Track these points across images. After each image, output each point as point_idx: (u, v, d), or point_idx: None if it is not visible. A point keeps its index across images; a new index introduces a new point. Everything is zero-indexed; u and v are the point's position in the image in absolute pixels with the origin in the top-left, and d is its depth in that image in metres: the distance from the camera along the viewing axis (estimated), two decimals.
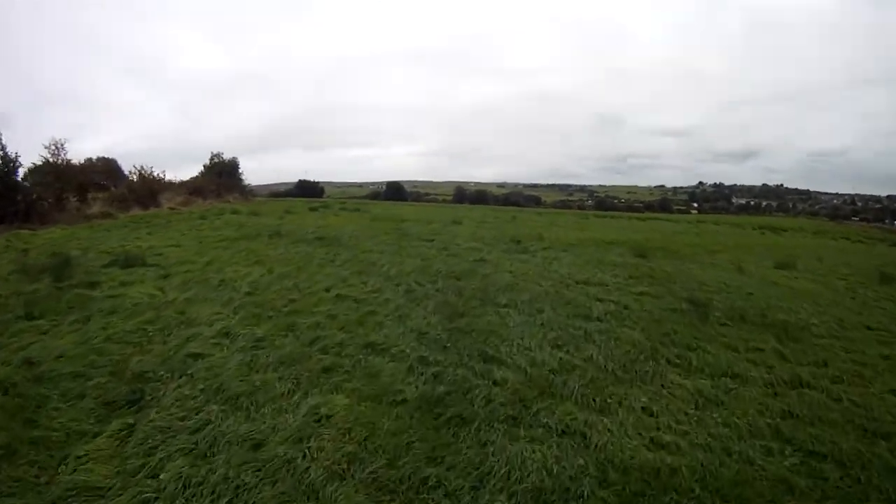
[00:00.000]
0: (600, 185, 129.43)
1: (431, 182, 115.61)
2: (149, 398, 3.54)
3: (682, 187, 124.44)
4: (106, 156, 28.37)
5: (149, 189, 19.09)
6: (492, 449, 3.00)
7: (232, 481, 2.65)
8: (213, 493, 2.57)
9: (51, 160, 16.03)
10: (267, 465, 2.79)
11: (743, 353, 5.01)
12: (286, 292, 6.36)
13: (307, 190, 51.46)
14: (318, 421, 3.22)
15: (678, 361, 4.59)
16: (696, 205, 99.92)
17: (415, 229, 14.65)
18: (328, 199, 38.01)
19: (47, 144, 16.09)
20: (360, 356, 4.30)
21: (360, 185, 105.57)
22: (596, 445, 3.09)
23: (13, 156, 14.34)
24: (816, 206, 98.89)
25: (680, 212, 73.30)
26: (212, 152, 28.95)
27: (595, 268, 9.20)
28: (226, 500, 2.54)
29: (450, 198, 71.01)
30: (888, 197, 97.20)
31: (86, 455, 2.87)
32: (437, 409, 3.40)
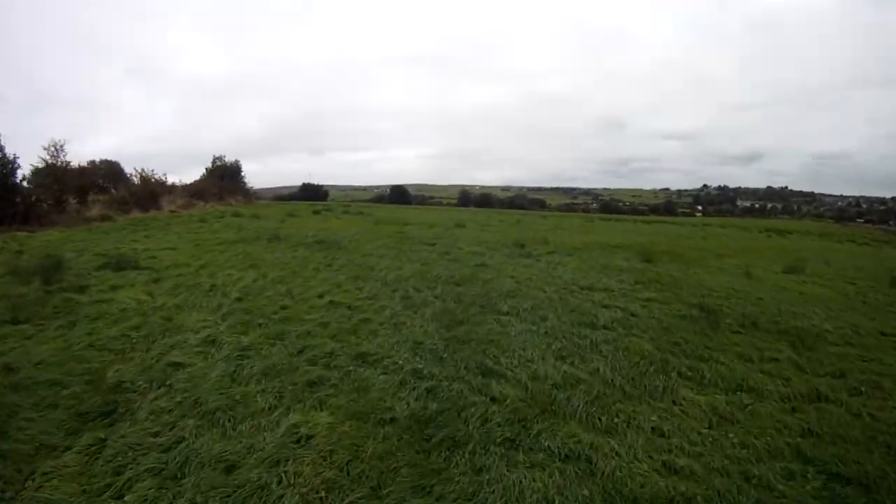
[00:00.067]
0: (605, 189, 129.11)
1: (436, 185, 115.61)
2: (123, 411, 3.34)
3: (686, 190, 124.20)
4: (109, 158, 28.19)
5: (149, 192, 18.92)
6: (487, 477, 2.72)
7: None
8: None
9: (50, 162, 15.83)
10: (238, 491, 2.55)
11: (757, 364, 4.75)
12: (278, 298, 6.11)
13: (311, 193, 51.24)
14: (298, 441, 2.96)
15: (690, 374, 4.30)
16: (700, 208, 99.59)
17: (417, 233, 14.40)
18: (332, 203, 37.76)
19: (46, 146, 15.94)
20: (350, 368, 4.04)
21: (365, 189, 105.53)
22: (602, 472, 2.80)
23: (11, 157, 14.18)
24: (821, 209, 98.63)
25: (685, 215, 72.99)
26: (214, 155, 28.83)
27: (600, 272, 8.95)
28: None
29: (454, 201, 70.80)
30: (893, 199, 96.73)
31: (53, 471, 2.71)
32: (428, 430, 3.12)
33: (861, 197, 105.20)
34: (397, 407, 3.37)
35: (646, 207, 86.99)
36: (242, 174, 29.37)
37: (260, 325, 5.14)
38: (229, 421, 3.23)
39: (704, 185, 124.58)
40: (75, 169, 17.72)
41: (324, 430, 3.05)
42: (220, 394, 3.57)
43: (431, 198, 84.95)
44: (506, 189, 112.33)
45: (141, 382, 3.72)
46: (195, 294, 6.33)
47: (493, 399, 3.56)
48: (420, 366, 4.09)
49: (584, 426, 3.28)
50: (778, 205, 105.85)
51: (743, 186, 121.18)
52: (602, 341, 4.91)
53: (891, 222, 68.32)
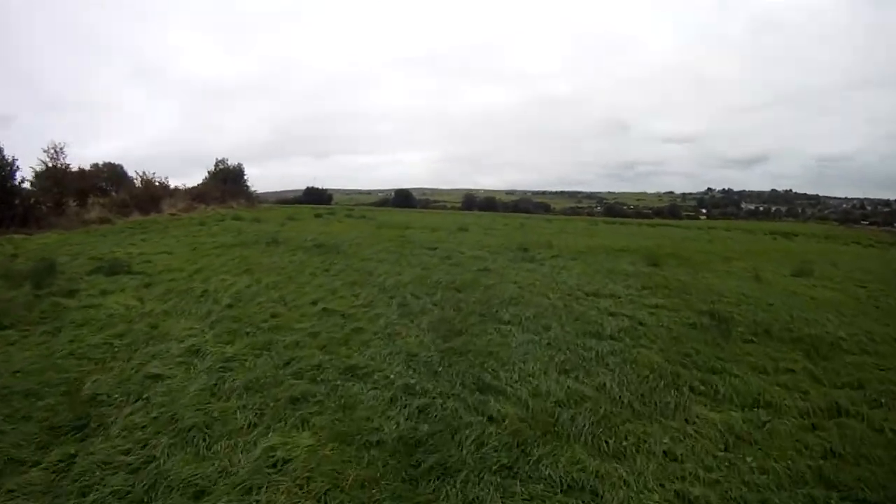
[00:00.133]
0: (609, 192, 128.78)
1: (440, 189, 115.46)
2: (95, 425, 3.14)
3: (690, 193, 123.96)
4: (113, 161, 28.19)
5: (150, 195, 18.83)
6: None
7: None
8: None
9: (50, 165, 15.74)
10: None
11: (773, 376, 4.48)
12: (270, 305, 5.88)
13: (315, 197, 51.00)
14: (275, 466, 2.70)
15: (703, 389, 4.01)
16: (704, 211, 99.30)
17: (419, 237, 14.16)
18: (335, 206, 37.62)
19: (46, 148, 15.85)
20: (338, 382, 3.76)
21: (370, 193, 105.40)
22: None
23: (10, 159, 14.09)
24: (825, 211, 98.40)
25: (689, 218, 72.47)
26: (216, 158, 28.79)
27: (606, 277, 8.66)
28: None
29: (459, 205, 70.55)
30: None
31: (17, 489, 2.55)
32: (417, 455, 2.84)
33: (865, 199, 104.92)
34: (385, 427, 3.10)
35: (650, 211, 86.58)
36: (245, 177, 29.33)
37: (248, 333, 4.91)
38: (204, 440, 3.01)
39: (709, 189, 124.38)
40: (75, 171, 17.66)
41: (303, 453, 2.78)
42: (198, 409, 3.35)
43: (436, 201, 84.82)
44: (510, 193, 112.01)
45: (117, 395, 3.54)
46: (185, 300, 6.14)
47: (490, 419, 3.27)
48: (413, 381, 3.80)
49: (590, 450, 3.00)
50: (782, 207, 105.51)
51: (747, 189, 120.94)
52: (608, 353, 4.62)
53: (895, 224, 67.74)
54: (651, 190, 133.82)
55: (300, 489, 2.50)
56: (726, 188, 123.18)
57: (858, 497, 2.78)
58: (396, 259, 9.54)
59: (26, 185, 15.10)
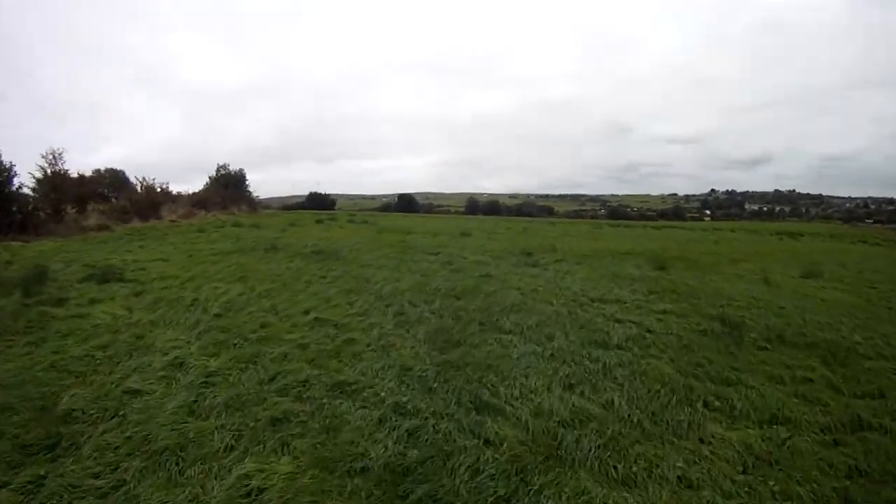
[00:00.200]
0: (612, 195, 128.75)
1: (444, 193, 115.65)
2: (68, 444, 2.97)
3: (694, 195, 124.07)
4: (116, 167, 28.11)
5: (150, 201, 18.68)
6: None
7: None
8: None
9: (48, 171, 15.60)
10: None
11: (790, 386, 4.21)
12: (260, 315, 5.64)
13: (318, 202, 50.99)
14: (249, 495, 2.45)
15: (718, 404, 3.72)
16: (708, 212, 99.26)
17: (420, 242, 13.92)
18: (337, 212, 37.48)
19: (44, 154, 15.72)
20: (324, 400, 3.50)
21: (373, 198, 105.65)
22: None
23: (8, 165, 13.95)
24: (829, 210, 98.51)
25: (693, 219, 72.26)
26: (218, 164, 28.66)
27: (611, 282, 8.41)
28: None
29: (462, 209, 70.37)
30: None
31: None
32: (404, 485, 2.57)
33: (868, 198, 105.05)
34: (372, 452, 2.82)
35: (654, 213, 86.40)
36: (247, 183, 29.18)
37: (234, 345, 4.67)
38: (178, 464, 2.79)
39: (712, 190, 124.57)
40: (74, 178, 17.53)
41: (280, 481, 2.52)
42: (173, 430, 3.13)
43: (439, 206, 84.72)
44: (513, 196, 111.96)
45: (93, 411, 3.36)
46: (175, 309, 5.94)
47: (486, 442, 2.99)
48: (404, 398, 3.52)
49: (596, 477, 2.71)
50: (786, 208, 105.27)
51: (751, 190, 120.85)
52: (616, 364, 4.33)
53: None
54: (654, 192, 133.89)
55: None
56: (730, 189, 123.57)
57: None
58: (396, 265, 9.30)
59: (25, 191, 14.95)
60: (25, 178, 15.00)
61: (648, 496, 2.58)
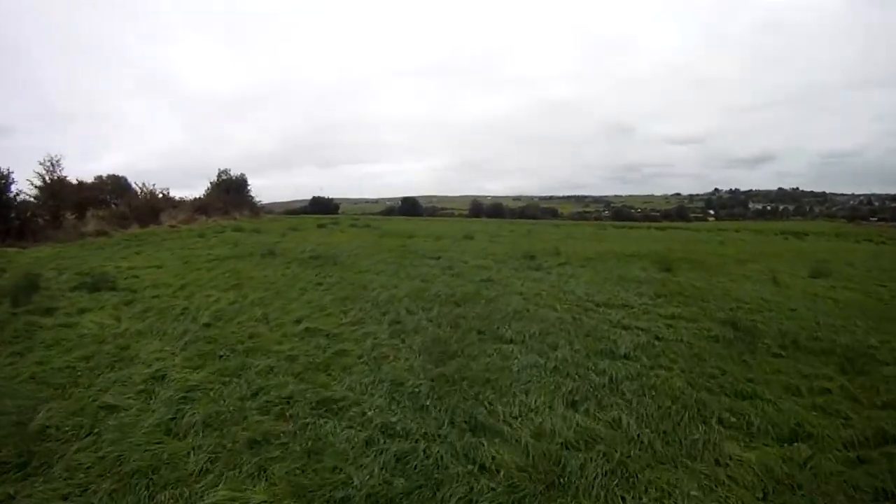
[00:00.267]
0: (616, 196, 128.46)
1: (447, 197, 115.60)
2: (39, 463, 2.81)
3: (697, 195, 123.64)
4: (118, 174, 28.04)
5: (150, 206, 18.54)
6: None
7: None
8: None
9: (47, 178, 15.50)
10: None
11: (808, 398, 3.95)
12: (250, 325, 5.40)
13: (321, 207, 50.88)
14: None
15: (733, 420, 3.45)
16: (712, 212, 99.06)
17: (421, 245, 13.68)
18: (340, 216, 37.34)
19: (42, 161, 15.62)
20: (309, 419, 3.24)
21: (377, 202, 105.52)
22: None
23: (5, 171, 13.85)
24: (833, 208, 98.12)
25: (697, 219, 72.01)
26: (219, 169, 28.57)
27: (617, 285, 8.17)
28: None
29: (466, 212, 70.14)
30: None
31: None
32: None
33: (872, 195, 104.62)
34: (355, 479, 2.56)
35: (658, 213, 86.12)
36: (248, 188, 29.05)
37: (220, 357, 4.45)
38: (148, 487, 2.60)
39: (716, 189, 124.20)
40: (73, 184, 17.41)
41: None
42: (147, 450, 2.93)
43: (443, 209, 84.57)
44: (517, 199, 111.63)
45: (68, 427, 3.20)
46: (163, 318, 5.74)
47: (482, 468, 2.71)
48: (394, 418, 3.25)
49: None
50: (790, 206, 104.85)
51: (754, 189, 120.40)
52: (624, 377, 4.05)
53: None
54: (658, 192, 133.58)
55: None
56: (733, 188, 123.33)
57: None
58: (395, 270, 9.05)
59: (25, 197, 14.86)
60: (24, 185, 14.95)
61: None
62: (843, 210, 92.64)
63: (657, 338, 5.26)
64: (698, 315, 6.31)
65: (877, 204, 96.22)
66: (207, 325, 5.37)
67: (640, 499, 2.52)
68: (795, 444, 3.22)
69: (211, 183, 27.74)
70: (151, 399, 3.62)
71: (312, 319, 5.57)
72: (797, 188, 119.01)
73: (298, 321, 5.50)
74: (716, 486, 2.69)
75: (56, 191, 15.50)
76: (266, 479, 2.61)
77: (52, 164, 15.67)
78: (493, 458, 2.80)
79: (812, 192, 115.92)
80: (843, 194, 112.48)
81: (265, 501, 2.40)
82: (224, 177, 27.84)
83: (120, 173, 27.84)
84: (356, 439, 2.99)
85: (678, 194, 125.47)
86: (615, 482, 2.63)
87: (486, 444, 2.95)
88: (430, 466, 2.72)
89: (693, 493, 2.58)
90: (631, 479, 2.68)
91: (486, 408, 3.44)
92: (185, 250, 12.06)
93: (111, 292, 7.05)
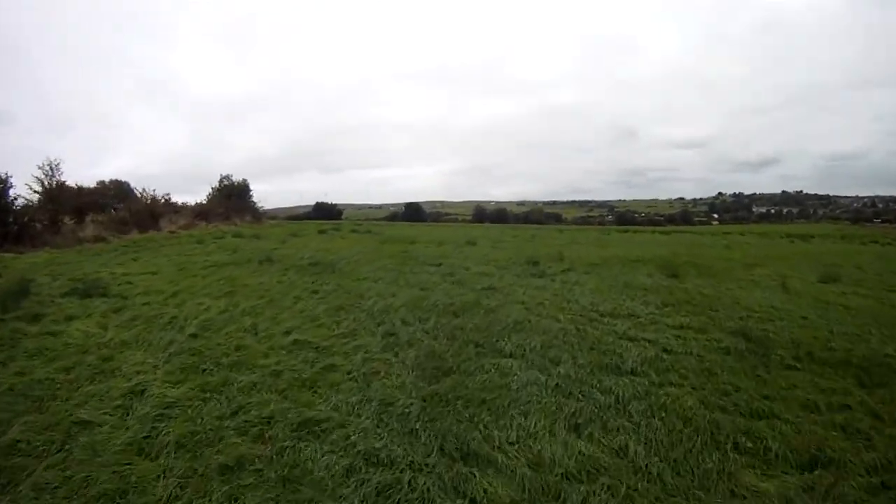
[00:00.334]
0: (620, 200, 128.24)
1: (451, 202, 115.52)
2: (6, 481, 2.69)
3: (701, 199, 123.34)
4: (122, 178, 27.98)
5: (150, 212, 18.41)
6: None
7: None
8: None
9: (46, 182, 15.38)
10: None
11: (827, 415, 3.70)
12: (238, 336, 5.17)
13: (325, 212, 50.89)
14: None
15: (749, 445, 3.16)
16: (716, 215, 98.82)
17: (423, 252, 13.45)
18: (343, 222, 37.21)
19: (41, 165, 15.50)
20: (288, 442, 3.00)
21: (381, 207, 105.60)
22: None
23: (3, 176, 13.73)
24: (837, 211, 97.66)
25: (701, 223, 71.67)
26: (221, 174, 28.49)
27: (622, 293, 7.91)
28: None
29: (470, 217, 69.96)
30: None
31: None
32: None
33: (876, 196, 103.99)
34: None
35: (662, 217, 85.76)
36: (251, 193, 28.94)
37: (203, 370, 4.24)
38: None
39: (719, 193, 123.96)
40: (72, 188, 17.30)
41: None
42: (115, 472, 2.75)
43: (447, 214, 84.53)
44: (521, 204, 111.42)
45: (40, 443, 3.05)
46: (151, 328, 5.55)
47: (472, 503, 2.46)
48: (379, 443, 2.97)
49: None
50: (794, 209, 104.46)
51: (758, 193, 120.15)
52: (631, 397, 3.76)
53: None
54: (662, 196, 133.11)
55: None
56: (737, 192, 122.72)
57: None
58: (394, 278, 8.81)
59: (23, 202, 14.73)
60: (23, 190, 14.83)
61: None
62: (846, 212, 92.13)
63: (665, 350, 4.99)
64: (707, 325, 6.06)
65: (881, 206, 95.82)
66: (194, 336, 5.15)
67: None
68: (816, 471, 2.96)
69: (212, 188, 27.67)
70: (128, 415, 3.44)
71: (303, 331, 5.34)
72: (801, 191, 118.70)
73: (288, 332, 5.26)
74: None
75: (55, 195, 15.37)
76: None
77: (51, 169, 15.57)
78: (486, 491, 2.53)
79: (816, 194, 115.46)
80: (847, 196, 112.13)
81: None
82: (226, 182, 27.76)
83: (124, 178, 27.79)
84: (337, 467, 2.74)
85: (682, 198, 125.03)
86: None
87: (477, 475, 2.67)
88: (415, 501, 2.46)
89: None
90: None
91: (480, 432, 3.17)
92: (182, 256, 11.90)
93: (102, 299, 6.90)
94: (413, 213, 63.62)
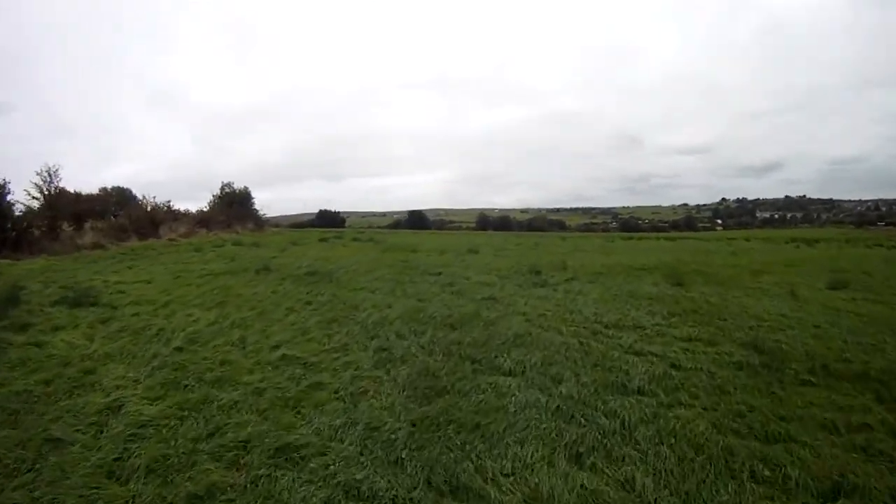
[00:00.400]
0: (623, 207, 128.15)
1: (455, 210, 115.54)
2: None
3: (705, 205, 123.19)
4: (124, 185, 28.01)
5: (150, 219, 18.29)
6: None
7: None
8: None
9: (44, 188, 15.28)
10: None
11: (847, 436, 3.45)
12: (225, 349, 4.96)
13: (328, 220, 50.88)
14: None
15: (767, 474, 2.89)
16: (720, 221, 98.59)
17: (424, 260, 13.20)
18: (345, 230, 37.11)
19: (39, 171, 15.41)
20: (263, 469, 2.76)
21: (384, 215, 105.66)
22: None
23: (1, 182, 13.66)
24: (841, 215, 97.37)
25: (705, 229, 71.41)
26: (222, 182, 28.46)
27: (627, 303, 7.65)
28: None
29: (473, 225, 69.80)
30: None
31: None
32: None
33: (879, 200, 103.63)
34: None
35: (666, 224, 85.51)
36: (253, 201, 28.87)
37: (185, 386, 4.03)
38: None
39: (723, 199, 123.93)
40: (71, 194, 17.20)
41: None
42: (82, 496, 2.60)
43: (451, 222, 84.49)
44: (524, 211, 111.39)
45: (10, 461, 2.93)
46: (137, 340, 5.38)
47: None
48: (360, 474, 2.70)
49: None
50: (798, 214, 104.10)
51: (762, 198, 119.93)
52: (638, 421, 3.48)
53: None
54: (665, 203, 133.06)
55: None
56: (741, 197, 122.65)
57: None
58: (392, 288, 8.57)
59: (21, 208, 14.65)
60: (21, 196, 14.76)
61: None
62: (850, 216, 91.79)
63: (674, 366, 4.72)
64: (717, 336, 5.80)
65: (884, 209, 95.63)
66: (179, 350, 4.95)
67: None
68: (839, 500, 2.73)
69: (214, 196, 27.60)
70: (101, 433, 3.28)
71: (292, 345, 5.10)
72: (804, 196, 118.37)
73: (277, 346, 5.03)
74: None
75: (53, 202, 15.26)
76: None
77: (50, 175, 15.46)
78: None
79: (819, 199, 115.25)
80: (850, 200, 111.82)
81: None
82: (227, 190, 27.69)
83: (128, 185, 27.88)
84: (314, 499, 2.50)
85: (685, 205, 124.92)
86: None
87: None
88: None
89: None
90: None
91: (472, 462, 2.89)
92: (178, 265, 11.75)
93: (91, 308, 6.76)
94: (416, 220, 63.58)
